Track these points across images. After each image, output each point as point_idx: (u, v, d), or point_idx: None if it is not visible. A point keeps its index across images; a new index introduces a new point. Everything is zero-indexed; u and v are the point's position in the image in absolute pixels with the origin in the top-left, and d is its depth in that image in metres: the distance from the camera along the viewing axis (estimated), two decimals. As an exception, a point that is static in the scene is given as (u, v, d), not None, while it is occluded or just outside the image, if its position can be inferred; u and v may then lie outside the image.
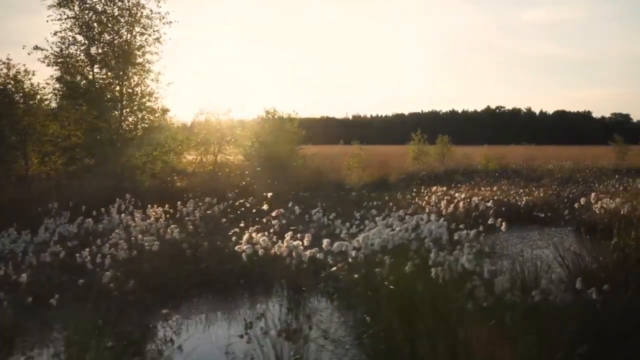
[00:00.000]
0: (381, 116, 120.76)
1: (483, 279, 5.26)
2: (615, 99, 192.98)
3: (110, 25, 15.83)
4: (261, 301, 7.69)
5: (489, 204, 13.02)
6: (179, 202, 11.53)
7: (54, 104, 16.57)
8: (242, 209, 11.91)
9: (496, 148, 40.97)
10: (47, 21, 15.73)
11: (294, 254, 7.56)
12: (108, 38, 15.96)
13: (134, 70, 16.24)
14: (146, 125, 16.96)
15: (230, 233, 9.23)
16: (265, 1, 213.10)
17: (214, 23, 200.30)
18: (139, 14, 16.01)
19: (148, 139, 16.58)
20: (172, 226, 9.68)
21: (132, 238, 8.92)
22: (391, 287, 5.15)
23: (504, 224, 8.80)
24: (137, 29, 16.13)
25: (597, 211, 12.14)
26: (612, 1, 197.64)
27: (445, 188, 17.64)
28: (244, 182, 16.52)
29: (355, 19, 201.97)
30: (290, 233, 8.24)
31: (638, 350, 4.70)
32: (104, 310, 6.62)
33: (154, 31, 16.29)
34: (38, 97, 15.81)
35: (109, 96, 16.09)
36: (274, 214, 10.53)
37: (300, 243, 7.78)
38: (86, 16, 15.69)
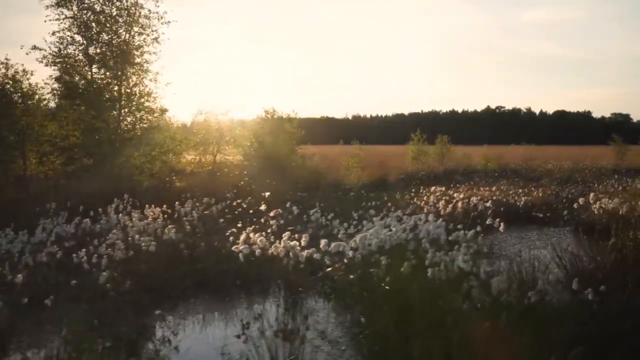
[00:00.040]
0: (381, 116, 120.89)
1: (479, 279, 5.24)
2: (615, 99, 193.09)
3: (108, 25, 15.81)
4: (258, 302, 7.66)
5: (487, 204, 13.00)
6: (177, 202, 11.50)
7: (52, 104, 16.56)
8: (239, 209, 11.88)
9: (496, 148, 40.96)
10: (45, 21, 15.73)
11: (291, 254, 7.55)
12: (106, 38, 15.95)
13: (132, 70, 16.22)
14: (145, 126, 16.95)
15: (227, 233, 9.21)
16: (265, 1, 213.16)
17: (214, 23, 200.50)
18: (137, 14, 15.99)
19: (146, 139, 16.56)
20: (169, 226, 9.66)
21: (129, 238, 8.90)
22: (387, 287, 5.12)
23: (502, 224, 8.78)
24: (136, 28, 16.12)
25: (595, 211, 12.11)
26: (612, 1, 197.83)
27: (444, 188, 17.61)
28: (242, 182, 16.49)
29: (355, 19, 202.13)
30: (287, 233, 8.24)
31: (635, 351, 4.68)
32: (100, 310, 6.62)
33: (152, 31, 16.29)
34: (36, 97, 15.77)
35: (107, 96, 16.06)
36: (272, 214, 10.52)
37: (298, 243, 7.77)
38: (84, 16, 15.67)
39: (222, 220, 10.84)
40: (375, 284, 5.62)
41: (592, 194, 13.19)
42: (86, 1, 15.62)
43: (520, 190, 17.53)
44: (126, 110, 16.51)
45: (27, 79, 15.54)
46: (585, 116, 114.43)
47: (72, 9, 15.61)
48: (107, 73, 16.11)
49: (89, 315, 6.61)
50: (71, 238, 9.23)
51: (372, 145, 43.48)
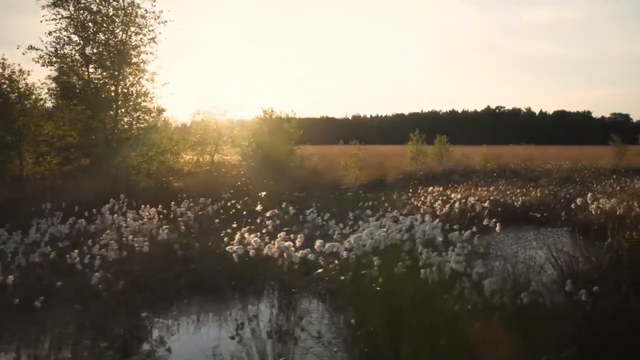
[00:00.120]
0: (381, 116, 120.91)
1: (473, 280, 5.20)
2: (615, 99, 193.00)
3: (105, 25, 15.77)
4: (252, 302, 7.63)
5: (485, 205, 12.96)
6: (172, 203, 11.46)
7: (49, 104, 16.52)
8: (233, 210, 11.82)
9: (495, 148, 40.95)
10: (42, 21, 15.68)
11: (285, 255, 7.51)
12: (103, 38, 15.90)
13: (129, 70, 16.18)
14: (142, 126, 16.90)
15: (222, 234, 9.17)
16: (265, 1, 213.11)
17: (214, 23, 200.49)
18: (134, 14, 15.95)
19: (143, 139, 16.52)
20: (163, 227, 9.62)
21: (124, 239, 8.86)
22: (378, 288, 5.08)
23: (497, 224, 8.74)
24: (132, 28, 16.07)
25: (593, 212, 12.10)
26: (612, 1, 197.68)
27: (441, 188, 17.57)
28: (239, 183, 16.45)
29: (355, 19, 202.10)
30: (282, 234, 8.19)
31: (629, 352, 4.65)
32: (93, 311, 6.59)
33: (149, 31, 16.23)
34: (33, 97, 15.74)
35: (104, 96, 16.02)
36: (268, 214, 10.47)
37: (292, 244, 7.73)
38: (81, 16, 15.63)
39: (217, 220, 10.79)
40: (367, 285, 5.57)
41: (589, 194, 13.21)
42: (82, 1, 15.58)
43: (518, 191, 17.50)
44: (123, 110, 16.46)
45: (24, 79, 15.53)
46: (585, 116, 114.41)
47: (68, 8, 15.57)
48: (104, 73, 16.06)
49: (82, 316, 6.60)
50: (65, 238, 9.18)
51: (372, 145, 43.49)
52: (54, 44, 15.73)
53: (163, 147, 17.17)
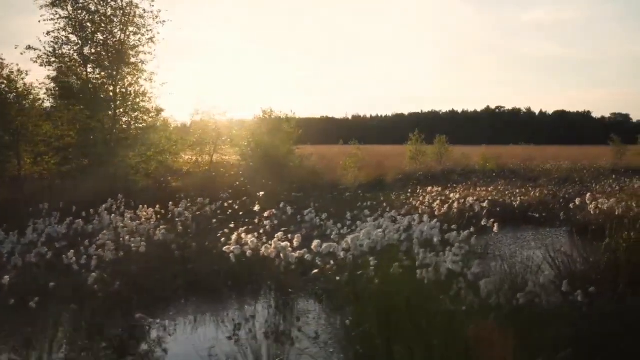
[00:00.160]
0: (381, 116, 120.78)
1: (468, 281, 5.18)
2: (615, 99, 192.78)
3: (103, 25, 15.76)
4: (249, 303, 7.60)
5: (483, 205, 12.94)
6: (170, 203, 11.45)
7: (47, 104, 16.50)
8: (230, 210, 11.80)
9: (494, 148, 40.95)
10: (40, 21, 15.67)
11: (282, 255, 7.49)
12: (101, 38, 15.89)
13: (127, 70, 16.17)
14: (140, 126, 16.89)
15: (219, 234, 9.15)
16: (265, 1, 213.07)
17: (215, 23, 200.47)
18: (132, 14, 15.93)
19: (142, 140, 16.50)
20: (160, 227, 9.60)
21: (121, 239, 8.84)
22: (373, 289, 5.06)
23: (495, 224, 8.72)
24: (131, 28, 16.05)
25: (591, 212, 12.06)
26: (612, 1, 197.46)
27: (440, 188, 17.55)
28: (237, 183, 16.43)
29: (355, 19, 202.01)
30: (280, 234, 8.18)
31: (624, 353, 4.63)
32: (88, 312, 6.57)
33: (147, 31, 16.23)
34: (31, 97, 15.71)
35: (102, 96, 16.00)
36: (266, 214, 10.46)
37: (289, 244, 7.71)
38: (79, 16, 15.61)
39: (214, 220, 10.77)
40: (363, 286, 5.56)
41: (588, 194, 13.17)
42: (81, 1, 15.56)
43: (517, 191, 17.47)
44: (121, 110, 16.44)
45: (22, 79, 15.50)
46: (585, 116, 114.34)
47: (66, 8, 15.55)
48: (102, 73, 16.06)
49: (78, 316, 6.58)
50: (63, 239, 9.17)
51: (371, 145, 43.50)
52: (52, 44, 15.75)
53: (162, 147, 17.15)
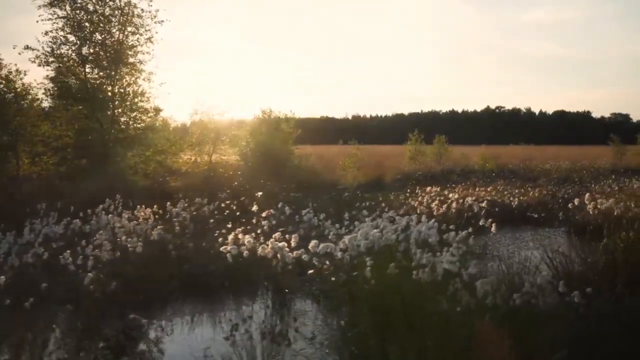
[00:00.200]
0: (381, 116, 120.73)
1: (464, 281, 5.16)
2: (615, 99, 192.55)
3: (101, 25, 15.75)
4: (246, 303, 7.58)
5: (482, 205, 12.92)
6: (168, 203, 11.42)
7: (45, 104, 16.50)
8: (227, 210, 11.77)
9: (494, 148, 40.95)
10: (38, 21, 15.66)
11: (279, 255, 7.47)
12: (100, 38, 15.90)
13: (125, 70, 16.16)
14: (139, 126, 16.88)
15: (216, 234, 9.13)
16: (265, 1, 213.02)
17: (214, 23, 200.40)
18: (131, 13, 15.93)
19: (140, 140, 16.49)
20: (158, 227, 9.57)
21: (118, 239, 8.82)
22: (368, 289, 5.04)
23: (493, 225, 8.70)
24: (129, 28, 16.07)
25: (590, 212, 12.04)
26: (612, 1, 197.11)
27: (439, 188, 17.53)
28: (236, 183, 16.42)
29: (355, 19, 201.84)
30: (277, 234, 8.16)
31: (621, 354, 4.61)
32: (84, 312, 6.55)
33: (145, 30, 16.23)
34: (30, 97, 15.72)
35: (100, 96, 15.99)
36: (264, 214, 10.45)
37: (286, 244, 7.70)
38: (77, 16, 15.61)
39: (212, 220, 10.74)
40: (359, 287, 5.53)
41: (587, 194, 13.14)
42: (79, 1, 15.58)
43: (516, 191, 17.44)
44: (120, 110, 16.44)
45: (21, 79, 15.52)
46: (585, 116, 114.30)
47: (65, 8, 15.57)
48: (101, 73, 16.06)
49: (73, 317, 6.57)
50: (60, 239, 9.15)
51: (371, 145, 43.51)
52: (50, 44, 15.75)
53: (160, 148, 17.14)
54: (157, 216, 10.78)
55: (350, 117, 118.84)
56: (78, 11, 15.58)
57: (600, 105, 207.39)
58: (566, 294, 5.34)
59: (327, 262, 6.89)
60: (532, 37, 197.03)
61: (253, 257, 7.86)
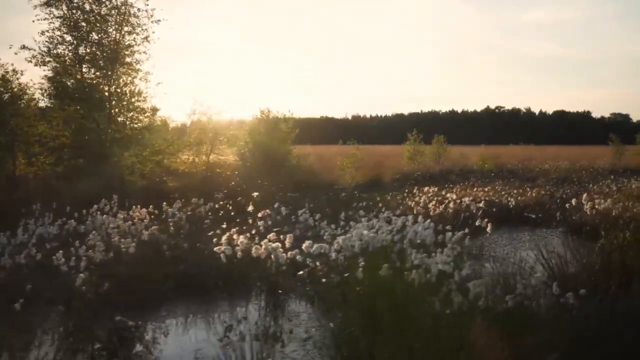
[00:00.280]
0: (381, 116, 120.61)
1: (457, 282, 5.11)
2: (615, 99, 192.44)
3: (98, 24, 15.71)
4: (240, 304, 7.54)
5: (479, 205, 12.89)
6: (164, 203, 11.38)
7: (42, 104, 16.46)
8: (222, 211, 11.72)
9: (494, 148, 40.89)
10: (34, 21, 15.61)
11: (272, 256, 7.43)
12: (96, 37, 15.85)
13: (122, 70, 16.12)
14: (136, 126, 16.83)
15: (210, 234, 9.08)
16: (265, 1, 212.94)
17: (214, 23, 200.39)
18: (127, 13, 15.88)
19: (137, 140, 16.45)
20: (152, 227, 9.53)
21: (113, 240, 8.78)
22: (360, 290, 5.00)
23: (489, 225, 8.66)
24: (126, 28, 16.02)
25: (588, 212, 12.00)
26: (612, 1, 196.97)
27: (437, 188, 17.49)
28: (232, 183, 16.37)
29: (355, 19, 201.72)
30: (271, 234, 8.12)
31: (615, 356, 4.56)
32: (75, 313, 6.51)
33: (142, 30, 16.17)
34: (26, 97, 15.68)
35: (97, 96, 15.94)
36: (260, 214, 10.41)
37: (280, 245, 7.65)
38: (74, 15, 15.56)
39: (207, 221, 10.70)
40: (351, 287, 5.49)
41: (585, 195, 13.12)
42: (75, 1, 15.51)
43: (515, 191, 17.39)
44: (116, 110, 16.39)
45: (17, 79, 15.47)
46: (585, 116, 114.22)
47: (61, 8, 15.51)
48: (97, 73, 16.01)
49: (64, 318, 6.52)
50: (54, 239, 9.11)
51: (371, 145, 43.45)
52: (46, 43, 15.69)
53: (158, 148, 17.09)
54: (152, 216, 10.74)
55: (350, 117, 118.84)
56: (74, 11, 15.54)
57: (600, 105, 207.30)
58: (561, 295, 5.30)
59: (317, 263, 6.83)
60: (532, 37, 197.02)
61: (247, 258, 7.81)
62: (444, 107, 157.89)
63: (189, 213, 11.25)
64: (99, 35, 15.84)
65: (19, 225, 9.57)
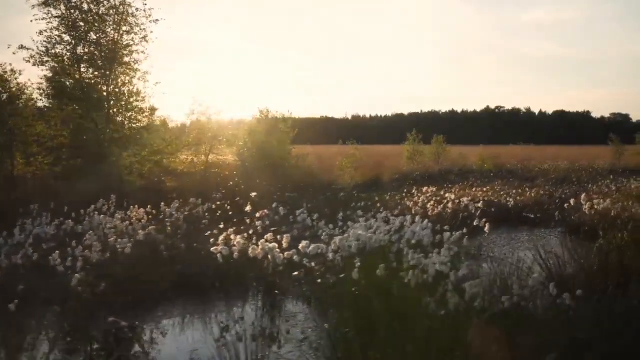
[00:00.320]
0: (381, 116, 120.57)
1: (453, 284, 5.08)
2: (615, 99, 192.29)
3: (96, 24, 15.68)
4: (237, 304, 7.52)
5: (478, 205, 12.85)
6: (162, 203, 11.36)
7: (40, 104, 16.44)
8: (220, 211, 11.70)
9: (493, 148, 40.87)
10: (32, 21, 15.58)
11: (269, 256, 7.41)
12: (95, 37, 15.82)
13: (120, 70, 16.09)
14: (134, 126, 16.81)
15: (207, 234, 9.06)
16: (265, 1, 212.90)
17: (214, 23, 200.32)
18: (126, 12, 15.85)
19: (135, 140, 16.42)
20: (149, 227, 9.51)
21: (110, 240, 8.75)
22: (355, 291, 4.98)
23: (487, 225, 8.62)
24: (124, 27, 15.99)
25: (587, 212, 11.97)
26: (612, 1, 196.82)
27: (435, 188, 17.46)
28: (231, 183, 16.34)
29: (355, 19, 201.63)
30: (269, 235, 8.10)
31: (612, 356, 4.54)
32: (71, 314, 6.49)
33: (140, 29, 16.15)
34: (25, 97, 15.66)
35: (95, 96, 15.92)
36: (258, 215, 10.38)
37: (277, 245, 7.63)
38: (72, 15, 15.54)
39: (204, 221, 10.67)
40: (347, 288, 5.47)
41: (584, 195, 13.09)
42: (73, 0, 15.48)
43: (514, 191, 17.36)
44: (115, 110, 16.36)
45: (15, 79, 15.46)
46: (585, 116, 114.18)
47: (59, 8, 15.48)
48: (96, 73, 15.99)
49: (60, 318, 6.51)
50: (51, 239, 9.09)
51: (370, 145, 43.47)
52: (45, 43, 15.66)
53: (156, 148, 17.07)
54: (150, 217, 10.72)
55: (350, 117, 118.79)
56: (73, 10, 15.50)
57: (600, 105, 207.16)
58: (558, 296, 5.27)
59: (318, 263, 6.81)
60: (532, 37, 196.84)
61: (244, 258, 7.79)
62: (443, 107, 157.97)
63: (186, 213, 11.22)
64: (97, 35, 15.82)
65: (17, 225, 9.56)
